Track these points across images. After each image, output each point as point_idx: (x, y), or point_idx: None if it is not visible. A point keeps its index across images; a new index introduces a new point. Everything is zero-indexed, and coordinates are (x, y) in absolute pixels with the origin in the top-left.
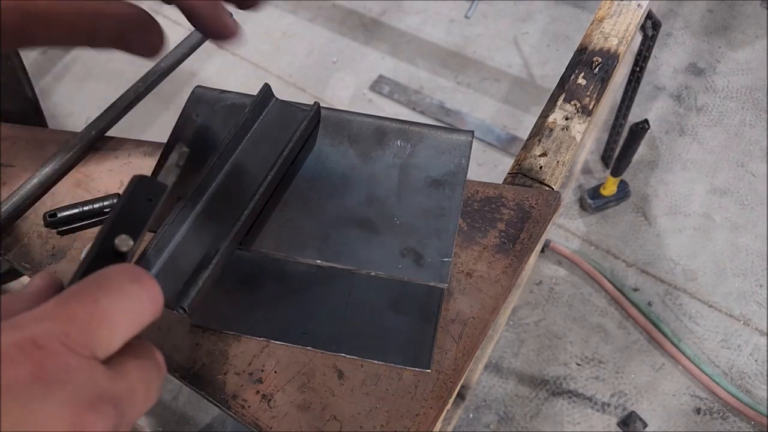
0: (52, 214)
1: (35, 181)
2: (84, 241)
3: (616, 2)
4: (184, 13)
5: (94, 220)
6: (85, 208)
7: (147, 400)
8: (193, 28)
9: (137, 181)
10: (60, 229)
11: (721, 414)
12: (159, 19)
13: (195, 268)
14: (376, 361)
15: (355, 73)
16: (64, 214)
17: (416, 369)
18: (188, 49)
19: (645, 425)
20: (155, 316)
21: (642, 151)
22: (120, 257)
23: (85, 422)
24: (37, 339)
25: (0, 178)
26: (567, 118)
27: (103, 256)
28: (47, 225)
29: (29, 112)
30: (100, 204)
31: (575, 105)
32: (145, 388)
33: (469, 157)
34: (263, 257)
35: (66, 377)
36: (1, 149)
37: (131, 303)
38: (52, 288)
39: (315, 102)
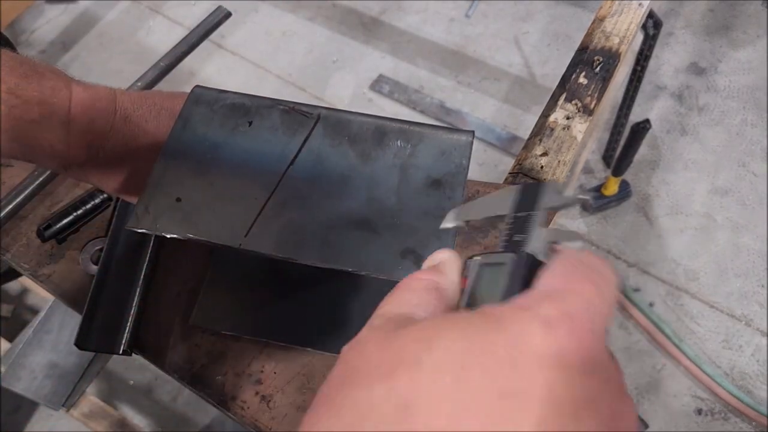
0: (47, 226)
1: (33, 180)
2: (80, 242)
3: (617, 1)
4: None
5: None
6: (78, 212)
7: None
8: (191, 27)
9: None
10: (58, 237)
11: (723, 415)
12: (158, 18)
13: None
14: None
15: (354, 72)
16: (59, 226)
17: None
18: (187, 47)
19: (646, 426)
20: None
21: (643, 150)
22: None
23: (622, 411)
24: (572, 314)
25: (0, 178)
26: (568, 118)
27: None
28: (45, 239)
29: None
30: (92, 203)
31: (576, 104)
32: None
33: (469, 157)
34: (262, 258)
35: (599, 359)
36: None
37: (613, 290)
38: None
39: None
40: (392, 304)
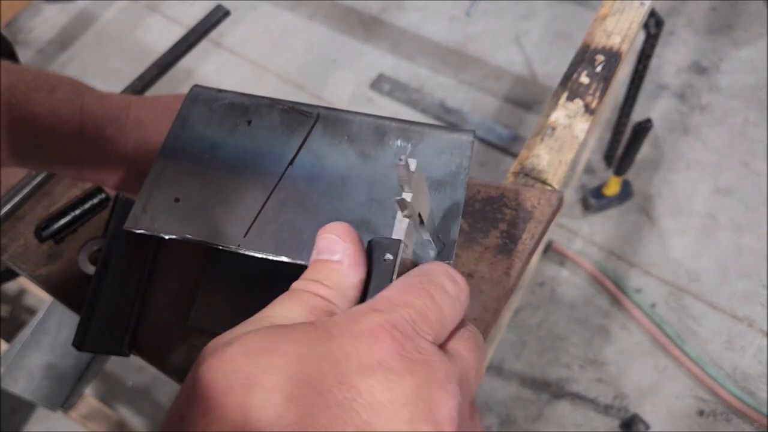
0: (45, 227)
1: (30, 180)
2: (78, 242)
3: (618, 0)
4: None
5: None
6: (76, 213)
7: (477, 378)
8: (190, 26)
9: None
10: (56, 238)
11: (725, 416)
12: (156, 17)
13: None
14: None
15: (354, 71)
16: (56, 226)
17: None
18: (186, 46)
19: (648, 427)
20: (465, 309)
21: (645, 150)
22: None
23: (436, 400)
24: (396, 323)
25: (0, 178)
26: (569, 117)
27: None
28: (42, 240)
29: None
30: (90, 203)
31: (578, 103)
32: (475, 368)
33: (470, 157)
34: (261, 259)
35: (421, 358)
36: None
37: (453, 300)
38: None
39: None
40: (275, 312)
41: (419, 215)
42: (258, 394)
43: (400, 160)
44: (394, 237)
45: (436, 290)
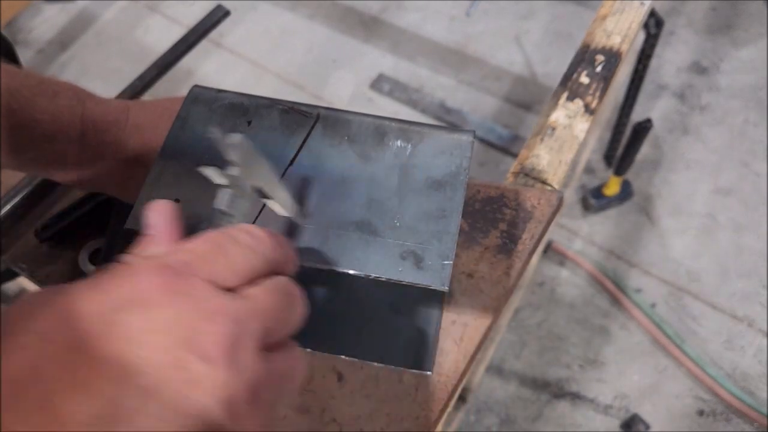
0: (45, 227)
1: (31, 180)
2: (79, 241)
3: (618, 0)
4: None
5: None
6: (77, 213)
7: (281, 321)
8: (190, 26)
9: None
10: (57, 238)
11: (725, 416)
12: (156, 17)
13: None
14: (376, 363)
15: (354, 71)
16: (57, 226)
17: (417, 371)
18: (186, 46)
19: (648, 427)
20: (270, 260)
21: (645, 150)
22: None
23: (200, 329)
24: (169, 263)
25: (0, 178)
26: (569, 117)
27: None
28: (43, 240)
29: None
30: (90, 204)
31: (578, 103)
32: (276, 311)
33: (470, 158)
34: None
35: (188, 291)
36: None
37: (245, 249)
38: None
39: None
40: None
41: (261, 189)
42: (17, 346)
43: (212, 132)
44: (214, 207)
45: (225, 239)
